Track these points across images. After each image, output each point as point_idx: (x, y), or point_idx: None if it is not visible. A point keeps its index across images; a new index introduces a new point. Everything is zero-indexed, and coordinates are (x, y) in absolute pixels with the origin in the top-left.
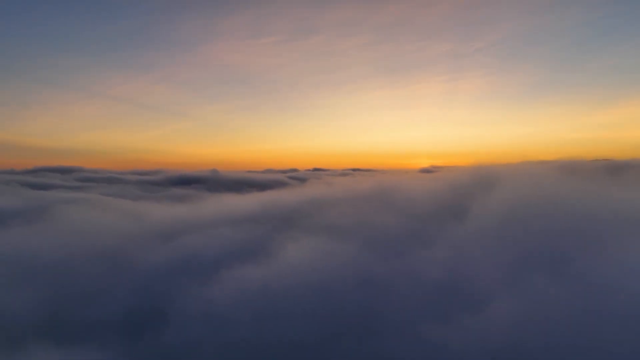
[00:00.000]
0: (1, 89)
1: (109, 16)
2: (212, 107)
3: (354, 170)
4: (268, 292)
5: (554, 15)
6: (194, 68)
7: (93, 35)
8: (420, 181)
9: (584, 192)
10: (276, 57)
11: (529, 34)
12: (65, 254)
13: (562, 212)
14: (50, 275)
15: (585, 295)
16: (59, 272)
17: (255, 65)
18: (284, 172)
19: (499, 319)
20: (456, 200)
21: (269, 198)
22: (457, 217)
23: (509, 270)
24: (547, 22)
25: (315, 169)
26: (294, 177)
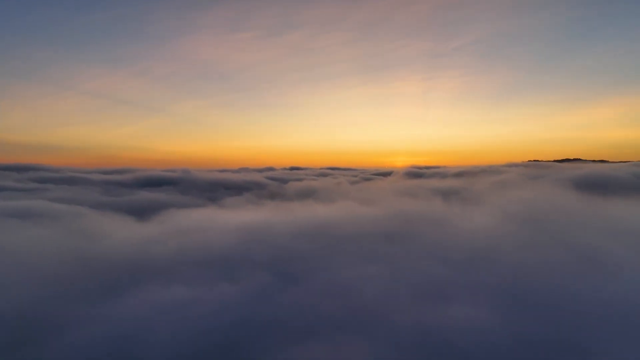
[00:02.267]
0: None
1: (82, 8)
2: (189, 103)
3: (333, 169)
4: None
5: (529, 17)
6: (171, 63)
7: (65, 27)
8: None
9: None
10: (254, 52)
11: (505, 34)
12: None
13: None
14: None
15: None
16: None
17: (233, 60)
18: (259, 171)
19: None
20: None
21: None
22: None
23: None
24: (523, 23)
25: (293, 168)
26: (271, 177)
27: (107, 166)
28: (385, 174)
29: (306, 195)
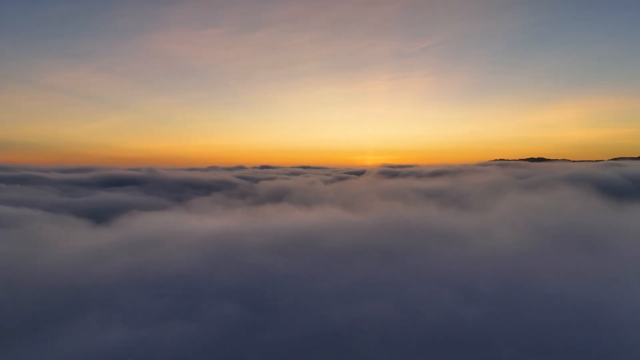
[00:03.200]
0: None
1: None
2: (157, 99)
3: (305, 167)
4: None
5: (494, 20)
6: (138, 58)
7: (24, 20)
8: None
9: None
10: (224, 49)
11: (471, 36)
12: None
13: None
14: None
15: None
16: None
17: (202, 57)
18: (229, 169)
19: None
20: None
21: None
22: None
23: None
24: (488, 26)
25: (264, 167)
26: (242, 176)
27: (68, 164)
28: (358, 172)
29: (279, 195)
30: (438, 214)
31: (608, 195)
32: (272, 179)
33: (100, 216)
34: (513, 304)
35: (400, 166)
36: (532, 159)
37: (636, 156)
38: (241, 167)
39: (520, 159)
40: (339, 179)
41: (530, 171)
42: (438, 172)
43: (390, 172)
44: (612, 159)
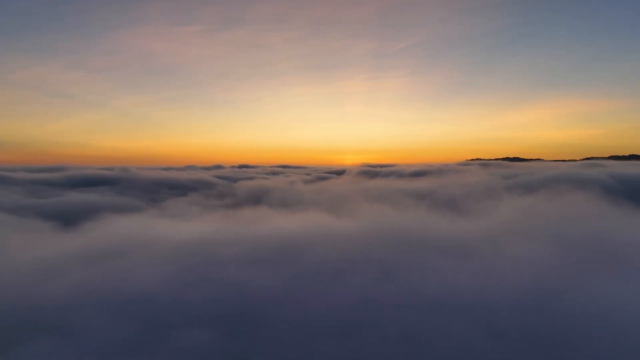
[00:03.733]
0: None
1: None
2: (132, 97)
3: (284, 167)
4: None
5: (469, 22)
6: (112, 55)
7: None
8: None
9: None
10: (201, 47)
11: (447, 37)
12: None
13: None
14: None
15: None
16: None
17: (178, 55)
18: (207, 169)
19: None
20: None
21: None
22: None
23: None
24: (463, 27)
25: (242, 166)
26: (220, 175)
27: (38, 163)
28: (338, 172)
29: (258, 196)
30: (433, 219)
31: (602, 197)
32: (251, 178)
33: (68, 219)
34: (540, 336)
35: (381, 165)
36: (508, 159)
37: (606, 156)
38: (219, 167)
39: (497, 159)
40: (319, 179)
41: (514, 171)
42: (420, 172)
43: (371, 172)
44: (584, 159)
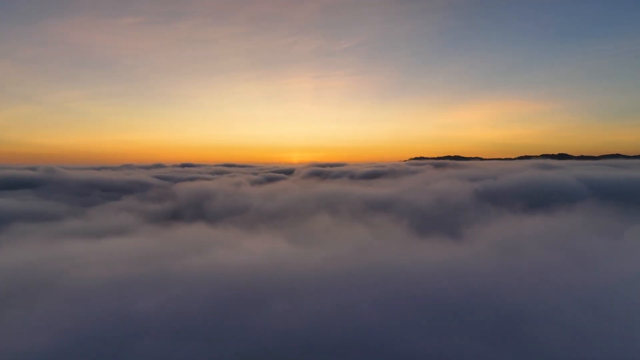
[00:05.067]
0: None
1: None
2: (64, 91)
3: (229, 165)
4: None
5: (409, 25)
6: (42, 46)
7: None
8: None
9: None
10: (140, 40)
11: (390, 38)
12: None
13: None
14: None
15: None
16: None
17: (116, 47)
18: (146, 168)
19: None
20: None
21: None
22: None
23: None
24: (405, 29)
25: (185, 165)
26: (160, 175)
27: None
28: (287, 171)
29: (200, 201)
30: (419, 245)
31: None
32: (193, 179)
33: None
34: None
35: (330, 165)
36: (450, 157)
37: (538, 154)
38: (160, 166)
39: (439, 157)
40: (267, 180)
41: (473, 172)
42: (372, 173)
43: (321, 172)
44: (519, 157)
